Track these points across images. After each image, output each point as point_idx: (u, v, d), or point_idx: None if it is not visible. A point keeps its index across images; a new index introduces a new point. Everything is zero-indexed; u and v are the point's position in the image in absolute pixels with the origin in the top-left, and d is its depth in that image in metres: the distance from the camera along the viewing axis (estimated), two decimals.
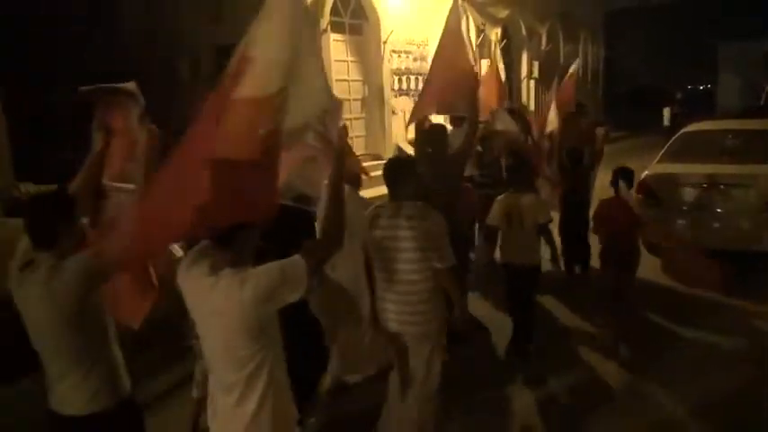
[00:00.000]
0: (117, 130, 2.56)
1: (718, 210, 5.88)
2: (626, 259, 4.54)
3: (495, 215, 4.32)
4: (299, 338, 2.47)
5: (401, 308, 2.90)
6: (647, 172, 6.48)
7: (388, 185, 2.99)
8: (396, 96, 11.80)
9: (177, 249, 2.79)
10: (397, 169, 3.01)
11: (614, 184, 4.62)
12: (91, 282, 2.06)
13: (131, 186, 2.47)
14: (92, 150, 2.54)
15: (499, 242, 4.45)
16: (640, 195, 6.21)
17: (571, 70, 7.46)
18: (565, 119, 6.34)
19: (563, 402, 3.88)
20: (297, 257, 1.95)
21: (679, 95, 22.46)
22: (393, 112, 11.63)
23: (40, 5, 9.19)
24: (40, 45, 9.02)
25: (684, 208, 6.05)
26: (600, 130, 6.88)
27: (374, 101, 11.48)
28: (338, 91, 10.62)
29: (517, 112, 6.43)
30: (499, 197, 4.38)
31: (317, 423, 3.47)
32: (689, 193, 6.05)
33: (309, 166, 2.60)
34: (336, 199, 2.15)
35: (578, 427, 3.56)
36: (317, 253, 2.02)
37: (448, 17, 4.71)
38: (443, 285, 2.93)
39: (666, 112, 17.49)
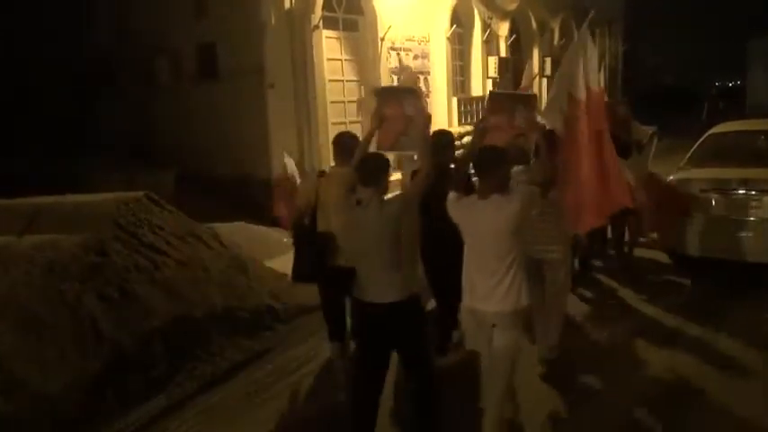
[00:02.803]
0: (389, 115, 4.08)
1: (751, 218, 5.83)
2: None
3: None
4: (447, 271, 3.77)
5: (546, 240, 4.28)
6: (671, 177, 6.46)
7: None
8: None
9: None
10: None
11: None
12: (405, 212, 3.38)
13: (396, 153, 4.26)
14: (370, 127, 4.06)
15: None
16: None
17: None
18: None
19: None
20: (533, 187, 3.55)
21: (714, 91, 22.42)
22: None
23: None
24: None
25: (713, 216, 6.01)
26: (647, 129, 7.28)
27: (371, 103, 11.38)
28: (331, 92, 10.62)
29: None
30: None
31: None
32: (718, 201, 6.01)
33: (521, 138, 4.43)
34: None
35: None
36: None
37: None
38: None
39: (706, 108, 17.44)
